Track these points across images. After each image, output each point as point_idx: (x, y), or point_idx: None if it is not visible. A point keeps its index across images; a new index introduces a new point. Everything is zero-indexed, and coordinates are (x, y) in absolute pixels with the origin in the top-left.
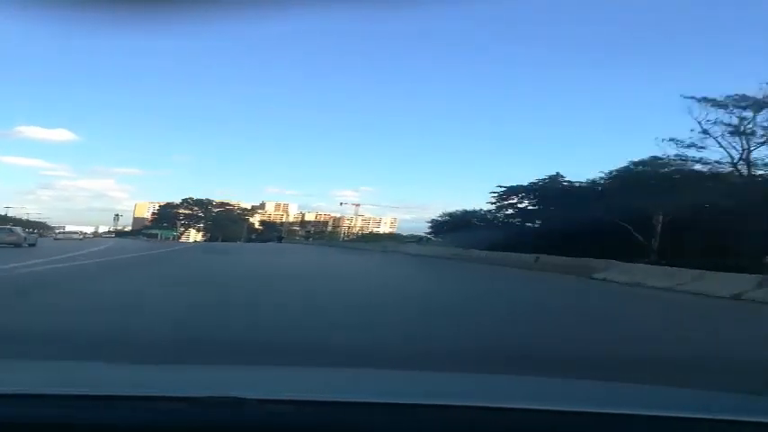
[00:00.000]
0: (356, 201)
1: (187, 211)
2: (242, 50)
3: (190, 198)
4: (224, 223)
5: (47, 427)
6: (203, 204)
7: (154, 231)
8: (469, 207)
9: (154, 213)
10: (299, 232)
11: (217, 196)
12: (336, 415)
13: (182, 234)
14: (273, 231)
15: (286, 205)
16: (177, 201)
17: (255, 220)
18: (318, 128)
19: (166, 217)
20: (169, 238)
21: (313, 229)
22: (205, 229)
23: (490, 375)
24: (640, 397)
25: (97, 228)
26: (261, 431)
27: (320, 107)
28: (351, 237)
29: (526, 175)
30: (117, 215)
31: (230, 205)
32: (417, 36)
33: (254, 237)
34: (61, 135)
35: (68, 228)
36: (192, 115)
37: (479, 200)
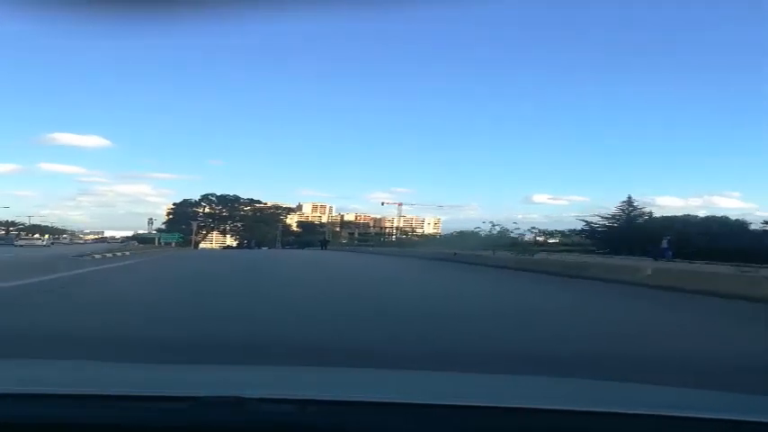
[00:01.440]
0: (390, 202)
1: (209, 210)
2: (274, 52)
3: (211, 194)
4: (255, 225)
5: (47, 427)
6: (228, 202)
7: (151, 235)
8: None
9: (168, 214)
10: (342, 234)
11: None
12: (337, 414)
13: (203, 238)
14: (313, 234)
15: (324, 206)
16: (196, 197)
17: (292, 221)
18: (350, 130)
19: (183, 217)
20: (171, 243)
21: (356, 230)
22: (232, 232)
23: (491, 375)
24: (640, 396)
25: (136, 232)
26: (261, 431)
27: (350, 109)
28: (406, 239)
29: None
30: (150, 219)
31: (261, 203)
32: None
33: (291, 240)
34: (95, 141)
35: (107, 233)
36: (225, 119)
37: (518, 204)
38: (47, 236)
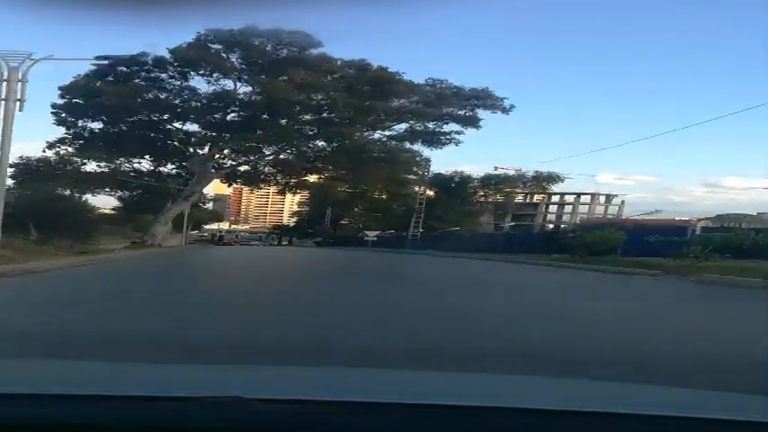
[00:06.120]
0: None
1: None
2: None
3: (213, 31)
4: (361, 158)
5: (47, 427)
6: (285, 62)
7: None
8: None
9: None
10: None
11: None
12: (338, 415)
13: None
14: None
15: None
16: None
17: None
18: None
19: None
20: None
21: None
22: (280, 173)
23: (491, 375)
24: (640, 396)
25: None
26: (261, 431)
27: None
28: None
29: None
30: None
31: (399, 76)
32: None
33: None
34: None
35: None
36: None
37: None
38: None
